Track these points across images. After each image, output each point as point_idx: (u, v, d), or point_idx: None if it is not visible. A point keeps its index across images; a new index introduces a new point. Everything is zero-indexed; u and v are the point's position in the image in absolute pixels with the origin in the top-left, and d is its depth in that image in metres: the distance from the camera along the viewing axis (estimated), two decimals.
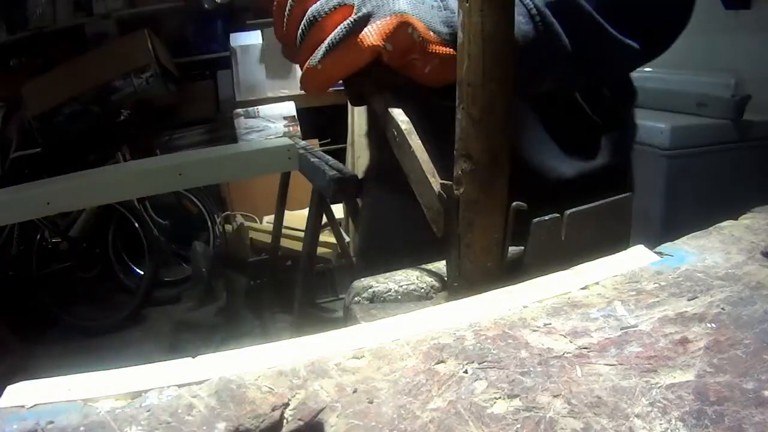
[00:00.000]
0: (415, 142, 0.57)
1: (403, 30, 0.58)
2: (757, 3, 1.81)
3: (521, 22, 0.62)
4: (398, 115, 0.60)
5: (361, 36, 0.58)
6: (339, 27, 0.59)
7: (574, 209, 0.57)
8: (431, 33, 0.59)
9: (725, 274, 0.53)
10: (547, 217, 0.56)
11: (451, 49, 0.58)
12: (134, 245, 3.45)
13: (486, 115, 0.52)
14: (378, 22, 0.58)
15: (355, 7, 0.59)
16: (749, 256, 0.56)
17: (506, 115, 0.53)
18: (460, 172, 0.55)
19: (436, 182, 0.56)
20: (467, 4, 0.51)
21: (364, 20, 0.59)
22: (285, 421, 0.38)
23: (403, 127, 0.58)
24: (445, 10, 0.61)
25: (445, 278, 0.60)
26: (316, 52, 0.61)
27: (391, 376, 0.42)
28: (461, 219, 0.55)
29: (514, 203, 0.55)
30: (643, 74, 1.77)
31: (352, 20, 0.59)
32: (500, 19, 0.50)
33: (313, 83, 0.63)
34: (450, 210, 0.55)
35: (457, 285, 0.57)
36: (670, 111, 1.62)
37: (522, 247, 0.59)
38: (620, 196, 0.61)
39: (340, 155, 3.45)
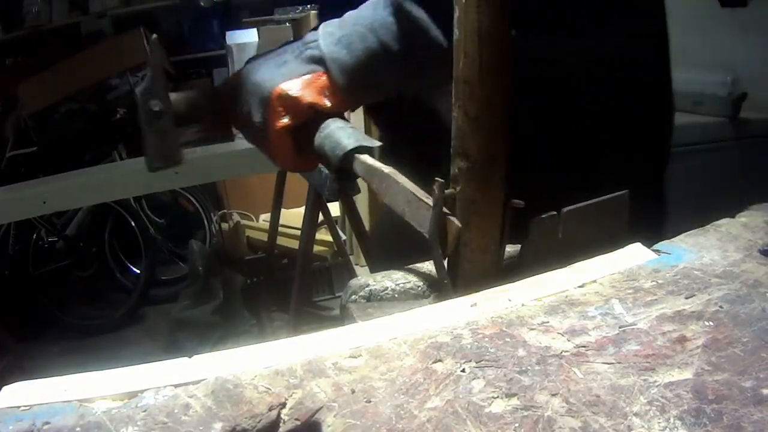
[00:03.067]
0: (402, 178, 0.60)
1: (284, 98, 0.68)
2: (754, 1, 1.80)
3: None
4: (374, 163, 0.64)
5: (270, 126, 0.69)
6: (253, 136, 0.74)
7: (571, 207, 0.57)
8: (298, 82, 0.68)
9: (723, 271, 0.53)
10: (544, 216, 0.56)
11: (321, 73, 0.69)
12: (131, 244, 3.44)
13: (483, 113, 0.52)
14: (265, 110, 0.69)
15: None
16: (747, 254, 0.56)
17: (504, 113, 0.53)
18: (456, 170, 0.55)
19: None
20: (464, 1, 0.50)
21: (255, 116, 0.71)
22: (282, 421, 0.38)
23: (386, 170, 0.62)
24: (305, 49, 0.70)
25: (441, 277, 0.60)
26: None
27: (388, 375, 0.42)
28: (458, 218, 0.55)
29: (511, 201, 0.55)
30: None
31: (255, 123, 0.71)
32: (497, 15, 0.50)
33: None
34: (438, 207, 0.54)
35: (446, 282, 0.57)
36: None
37: (519, 246, 0.59)
38: (617, 193, 0.61)
39: None
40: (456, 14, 0.51)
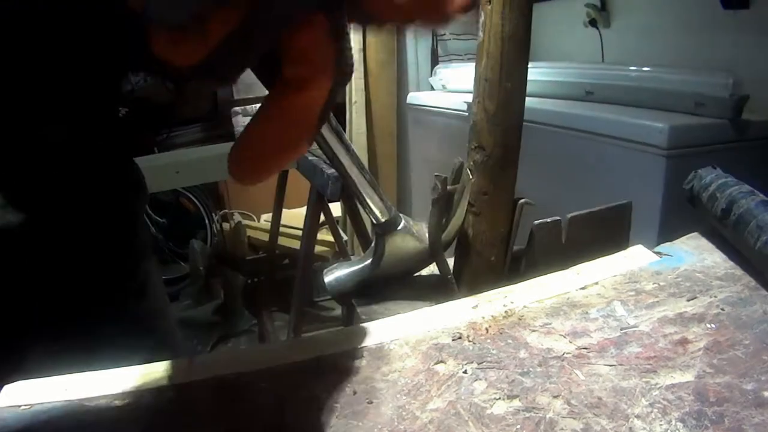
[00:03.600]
0: None
1: None
2: (756, 3, 1.80)
3: None
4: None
5: None
6: None
7: (574, 213, 0.58)
8: None
9: (724, 274, 0.53)
10: (549, 220, 0.57)
11: None
12: None
13: (501, 111, 0.55)
14: None
15: None
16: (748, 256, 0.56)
17: (520, 111, 0.55)
18: (471, 163, 0.56)
19: None
20: (489, 6, 0.53)
21: None
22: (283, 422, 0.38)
23: None
24: None
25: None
26: None
27: (390, 376, 0.42)
28: (469, 210, 0.56)
29: (522, 200, 0.55)
30: (642, 73, 1.77)
31: None
32: (519, 21, 0.53)
33: None
34: (441, 203, 0.55)
35: (450, 277, 0.57)
36: (667, 110, 1.61)
37: (522, 247, 0.59)
38: (620, 202, 0.61)
39: None
40: (481, 18, 0.54)
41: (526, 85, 0.55)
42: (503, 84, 0.54)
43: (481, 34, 0.54)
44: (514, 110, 0.55)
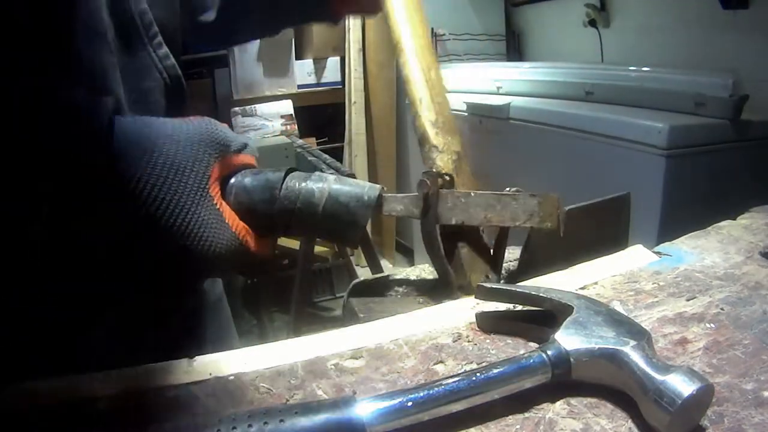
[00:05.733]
0: (465, 191, 0.60)
1: None
2: (755, 3, 1.80)
3: None
4: (412, 194, 0.56)
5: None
6: None
7: (572, 206, 0.57)
8: None
9: (724, 274, 0.53)
10: None
11: None
12: None
13: (441, 117, 0.68)
14: None
15: None
16: (748, 256, 0.56)
17: (451, 115, 0.70)
18: (431, 162, 0.64)
19: None
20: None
21: None
22: None
23: (446, 191, 0.60)
24: None
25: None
26: None
27: (389, 376, 0.42)
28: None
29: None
30: (641, 73, 1.77)
31: None
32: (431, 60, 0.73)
33: None
34: (435, 196, 0.54)
35: (448, 270, 0.57)
36: (667, 110, 1.61)
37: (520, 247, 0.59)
38: (619, 194, 0.61)
39: (337, 154, 3.46)
40: (401, 59, 0.72)
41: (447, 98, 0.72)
42: (435, 98, 0.70)
43: (404, 71, 0.72)
44: (450, 118, 0.69)
